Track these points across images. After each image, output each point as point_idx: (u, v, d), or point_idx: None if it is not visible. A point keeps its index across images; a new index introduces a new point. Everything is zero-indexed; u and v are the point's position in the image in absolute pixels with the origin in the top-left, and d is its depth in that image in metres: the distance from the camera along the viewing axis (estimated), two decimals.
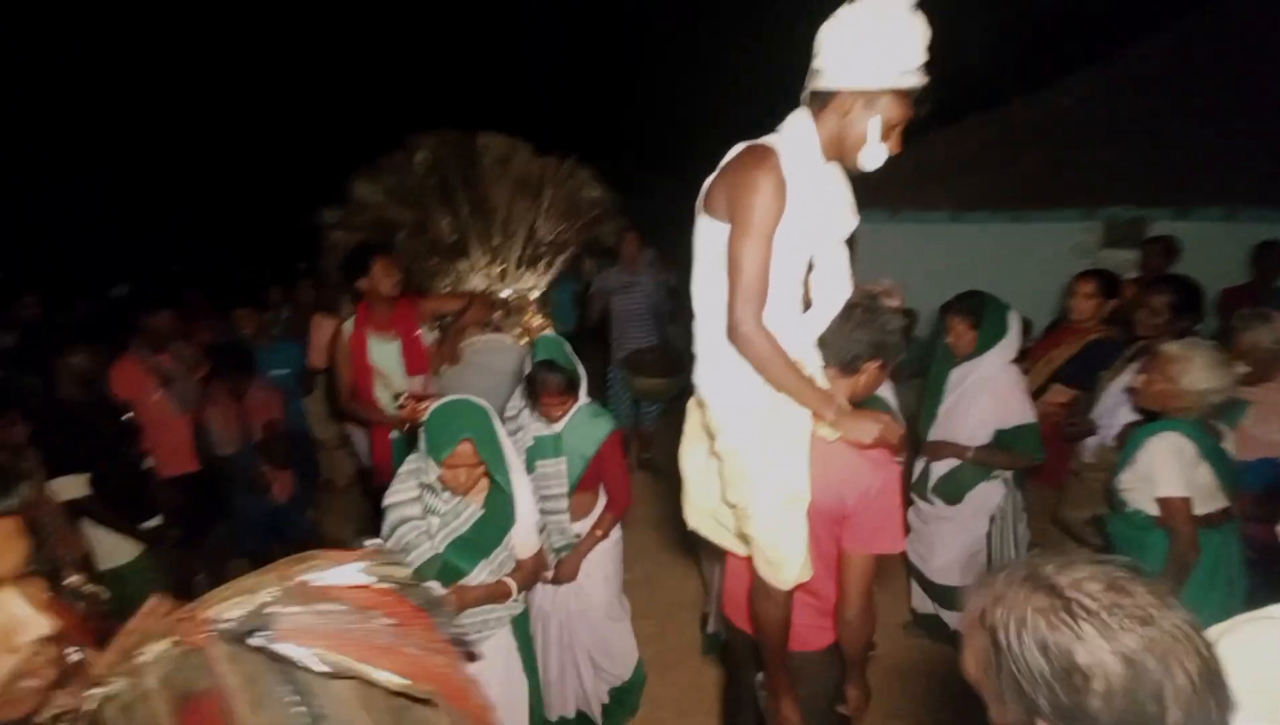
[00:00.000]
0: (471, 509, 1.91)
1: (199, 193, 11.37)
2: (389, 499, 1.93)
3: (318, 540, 3.52)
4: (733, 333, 1.40)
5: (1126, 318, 2.99)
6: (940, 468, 2.81)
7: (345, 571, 0.76)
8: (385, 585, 0.78)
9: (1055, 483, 2.88)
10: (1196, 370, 2.02)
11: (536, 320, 3.23)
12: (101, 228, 9.76)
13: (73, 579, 1.05)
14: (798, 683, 1.68)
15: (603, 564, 2.49)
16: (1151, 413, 2.17)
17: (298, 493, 3.45)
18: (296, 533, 3.41)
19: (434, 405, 1.87)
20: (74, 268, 6.95)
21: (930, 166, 5.04)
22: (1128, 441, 2.18)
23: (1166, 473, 2.04)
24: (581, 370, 2.33)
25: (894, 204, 4.88)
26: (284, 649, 0.64)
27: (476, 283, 3.34)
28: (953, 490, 2.78)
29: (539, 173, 3.33)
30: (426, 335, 3.03)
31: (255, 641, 0.64)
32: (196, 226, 10.62)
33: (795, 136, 1.41)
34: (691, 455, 1.73)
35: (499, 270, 3.36)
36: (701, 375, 1.56)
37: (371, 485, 3.97)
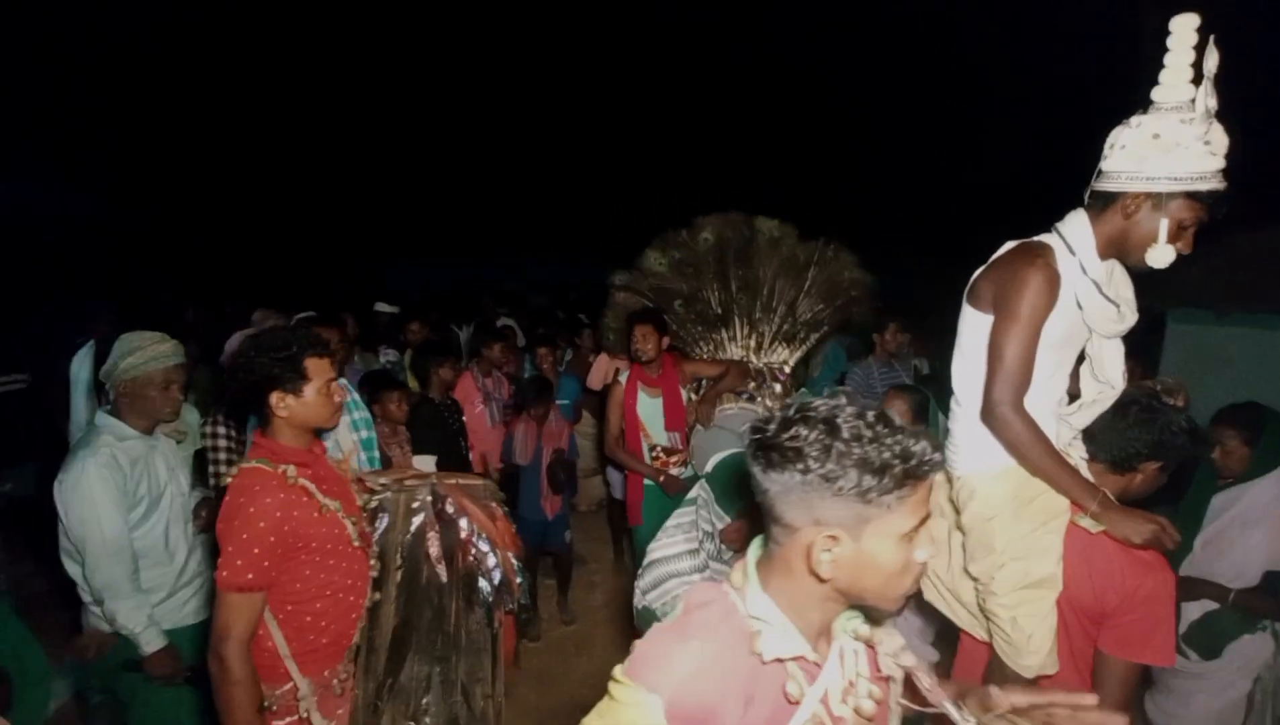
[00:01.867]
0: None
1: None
2: (656, 553, 1.97)
3: (569, 557, 4.04)
4: (988, 413, 1.49)
5: None
6: (1193, 611, 2.34)
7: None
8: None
9: None
10: None
11: (780, 390, 3.37)
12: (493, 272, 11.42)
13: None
14: None
15: None
16: None
17: (563, 513, 3.97)
18: (557, 546, 3.94)
19: (721, 458, 2.02)
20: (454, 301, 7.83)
21: (1265, 261, 4.20)
22: None
23: None
24: None
25: (1218, 302, 4.15)
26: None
27: (734, 352, 3.55)
28: (1209, 641, 2.30)
29: (806, 254, 3.52)
30: (685, 395, 3.37)
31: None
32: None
33: (1071, 235, 1.48)
34: (935, 528, 1.79)
35: (755, 342, 3.56)
36: (954, 450, 1.66)
37: (614, 515, 4.54)
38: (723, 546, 1.97)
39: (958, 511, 1.66)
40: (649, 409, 3.38)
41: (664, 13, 12.39)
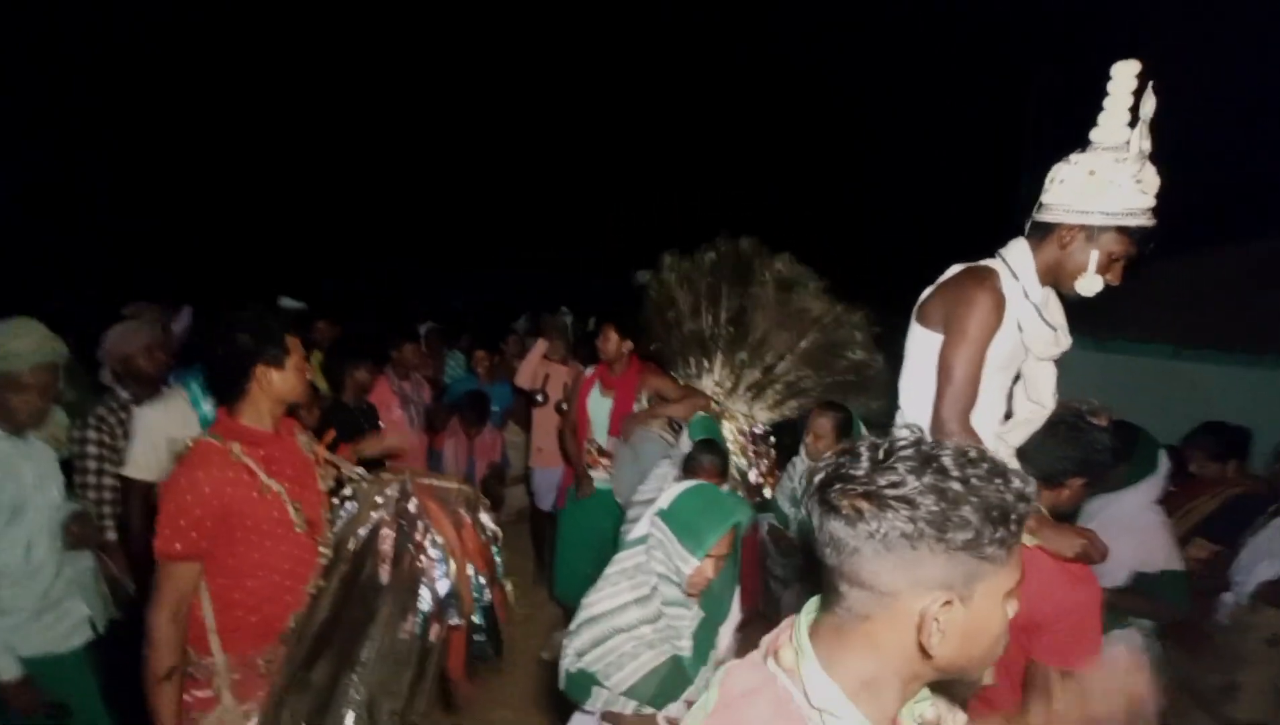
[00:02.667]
0: (694, 610, 1.75)
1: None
2: (596, 607, 1.72)
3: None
4: (938, 429, 1.53)
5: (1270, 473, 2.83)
6: None
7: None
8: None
9: (1188, 644, 2.54)
10: None
11: (742, 443, 3.12)
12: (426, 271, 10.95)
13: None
14: None
15: None
16: None
17: None
18: None
19: (678, 490, 1.71)
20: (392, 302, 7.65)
21: (1154, 298, 4.69)
22: None
23: None
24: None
25: (1103, 332, 4.59)
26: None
27: (707, 385, 3.32)
28: None
29: (816, 312, 3.18)
30: (639, 405, 3.30)
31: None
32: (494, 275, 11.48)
33: (1014, 260, 1.56)
34: None
35: (731, 382, 3.29)
36: None
37: (537, 526, 4.36)
38: (682, 592, 1.69)
39: None
40: (598, 408, 3.39)
41: (664, 13, 12.34)
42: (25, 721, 1.83)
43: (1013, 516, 0.68)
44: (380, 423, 3.51)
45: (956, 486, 0.68)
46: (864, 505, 0.70)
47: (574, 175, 13.21)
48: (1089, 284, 1.51)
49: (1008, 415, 1.70)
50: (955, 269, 1.62)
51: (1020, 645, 1.57)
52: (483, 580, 1.86)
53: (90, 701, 2.05)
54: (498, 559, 2.00)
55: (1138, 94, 1.42)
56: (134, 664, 1.57)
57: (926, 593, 0.70)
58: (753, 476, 3.09)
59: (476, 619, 1.87)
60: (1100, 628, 1.52)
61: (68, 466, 2.41)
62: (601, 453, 3.37)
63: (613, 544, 2.27)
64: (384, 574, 1.69)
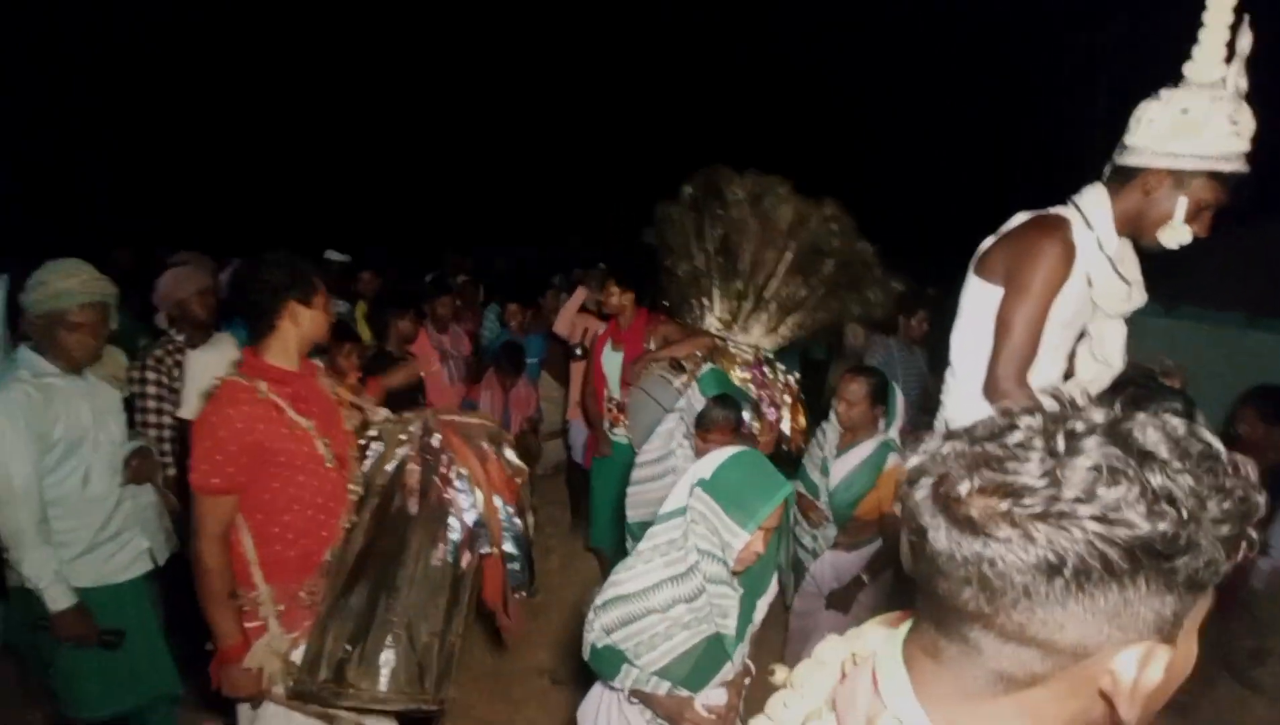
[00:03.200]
0: (738, 587, 1.62)
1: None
2: (627, 585, 1.59)
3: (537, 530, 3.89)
4: (992, 388, 1.45)
5: None
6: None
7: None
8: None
9: (1220, 608, 2.39)
10: None
11: (746, 376, 3.00)
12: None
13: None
14: None
15: None
16: None
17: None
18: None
19: (721, 459, 1.55)
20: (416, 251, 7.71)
21: (1227, 263, 4.39)
22: None
23: None
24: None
25: (1168, 299, 4.32)
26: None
27: (710, 323, 3.21)
28: None
29: (790, 217, 3.00)
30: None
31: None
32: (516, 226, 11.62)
33: (1090, 208, 1.44)
34: None
35: (730, 315, 3.19)
36: (945, 424, 1.62)
37: (573, 478, 4.38)
38: (728, 569, 1.54)
39: None
40: (612, 363, 3.36)
41: (664, 13, 12.17)
42: (78, 648, 1.93)
43: (1254, 517, 0.48)
44: (422, 373, 3.57)
45: (1181, 488, 0.45)
46: (1042, 529, 0.46)
47: (575, 174, 13.25)
48: (1176, 234, 1.39)
49: (1068, 375, 1.61)
50: (1021, 217, 1.52)
51: None
52: (511, 510, 1.91)
53: (149, 629, 2.15)
54: (525, 493, 2.05)
55: (1234, 27, 1.28)
56: (193, 595, 1.66)
57: (1127, 644, 0.49)
58: (771, 415, 2.95)
59: (509, 548, 1.92)
60: None
61: (130, 405, 2.53)
62: (621, 408, 3.32)
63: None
64: (412, 506, 1.75)
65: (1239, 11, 1.30)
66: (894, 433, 2.57)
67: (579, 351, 3.83)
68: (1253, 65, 1.33)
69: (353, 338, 3.11)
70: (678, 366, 2.92)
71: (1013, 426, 0.50)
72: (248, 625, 1.68)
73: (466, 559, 1.80)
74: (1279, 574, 2.30)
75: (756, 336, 3.15)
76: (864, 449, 2.49)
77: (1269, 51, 1.36)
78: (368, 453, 1.86)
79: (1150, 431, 0.48)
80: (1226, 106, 1.31)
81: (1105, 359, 1.54)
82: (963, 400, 1.56)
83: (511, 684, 3.09)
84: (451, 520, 1.79)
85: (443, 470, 1.82)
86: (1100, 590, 0.46)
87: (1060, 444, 0.48)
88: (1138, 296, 1.48)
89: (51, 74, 9.18)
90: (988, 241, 1.56)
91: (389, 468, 1.81)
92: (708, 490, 1.50)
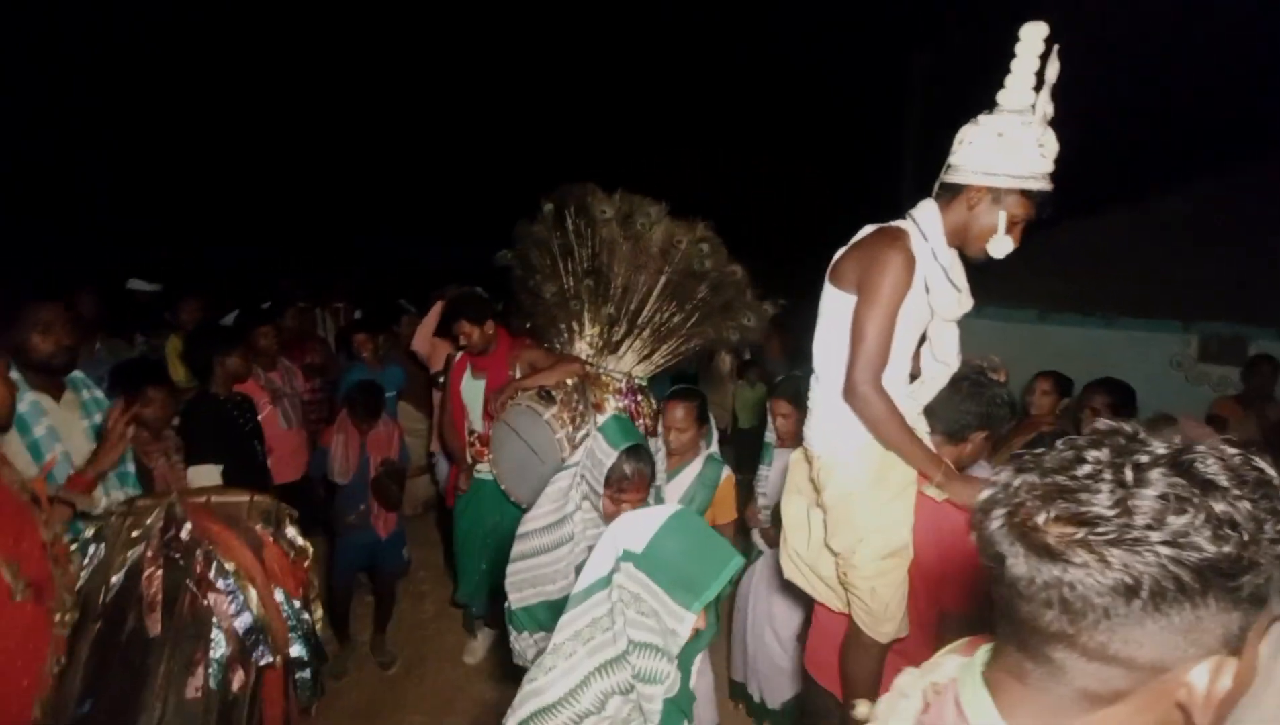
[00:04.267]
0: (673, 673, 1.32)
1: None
2: (545, 695, 1.22)
3: (394, 584, 3.55)
4: (850, 392, 1.52)
5: (1075, 417, 3.10)
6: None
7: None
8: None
9: None
10: None
11: (620, 405, 2.90)
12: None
13: None
14: None
15: None
16: None
17: (399, 529, 3.50)
18: (393, 567, 3.48)
19: (651, 526, 1.25)
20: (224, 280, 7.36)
21: (1022, 266, 5.09)
22: None
23: None
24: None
25: (979, 299, 4.93)
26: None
27: (580, 349, 3.07)
28: None
29: (661, 240, 2.90)
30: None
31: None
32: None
33: (924, 221, 1.57)
34: (792, 507, 1.82)
35: (603, 341, 3.05)
36: (814, 428, 1.68)
37: (444, 517, 3.89)
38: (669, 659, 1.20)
39: (818, 490, 1.69)
40: (472, 392, 3.11)
41: (664, 12, 12.10)
42: None
43: None
44: (259, 417, 3.17)
45: (1241, 513, 0.50)
46: (1117, 554, 0.51)
47: (570, 169, 13.08)
48: (1000, 245, 1.53)
49: (913, 376, 1.73)
50: (868, 229, 1.62)
51: (933, 597, 1.62)
52: (297, 604, 1.64)
53: None
54: (313, 579, 1.79)
55: (1043, 57, 1.44)
56: None
57: (1200, 658, 0.54)
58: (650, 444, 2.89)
59: (296, 651, 1.63)
60: None
61: None
62: (484, 442, 3.03)
63: (505, 542, 2.02)
64: (153, 626, 1.39)
65: (1048, 43, 1.46)
66: (714, 449, 2.64)
67: (442, 380, 3.58)
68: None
69: (157, 380, 2.65)
70: (546, 396, 2.75)
71: (1080, 459, 0.55)
72: None
73: (239, 680, 1.46)
74: None
75: (629, 363, 3.04)
76: (694, 467, 2.55)
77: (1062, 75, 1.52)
78: (85, 560, 1.48)
79: (1210, 462, 0.52)
80: (1035, 131, 1.47)
81: (944, 359, 1.67)
82: (829, 403, 1.63)
83: None
84: (215, 634, 1.45)
85: (198, 570, 1.47)
86: (1175, 609, 0.51)
87: (1128, 475, 0.53)
88: (967, 302, 1.63)
89: (51, 74, 9.27)
90: (840, 252, 1.64)
91: (115, 579, 1.43)
92: (642, 568, 1.20)
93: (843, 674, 1.70)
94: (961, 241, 1.57)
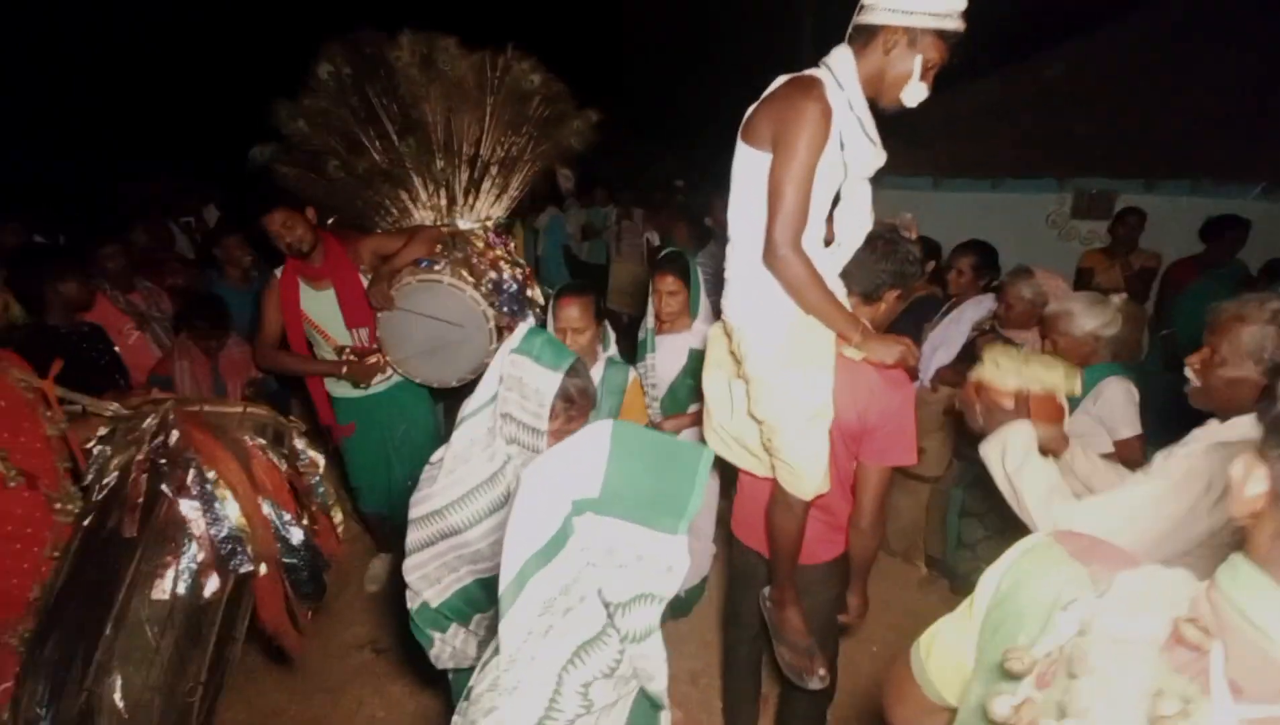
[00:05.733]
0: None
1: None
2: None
3: None
4: (770, 255, 1.46)
5: (943, 278, 3.33)
6: None
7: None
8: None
9: None
10: (1080, 315, 2.17)
11: (496, 252, 2.80)
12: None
13: None
14: (803, 594, 1.81)
15: None
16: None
17: None
18: None
19: (597, 459, 0.93)
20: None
21: (915, 134, 5.16)
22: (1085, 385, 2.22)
23: (1124, 416, 2.21)
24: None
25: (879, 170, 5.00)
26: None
27: (423, 217, 2.86)
28: None
29: (475, 73, 2.74)
30: (366, 280, 2.66)
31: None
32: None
33: (839, 69, 1.46)
34: (714, 381, 1.81)
35: (445, 199, 2.85)
36: (731, 299, 1.63)
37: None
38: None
39: (738, 362, 1.67)
40: (319, 307, 2.68)
41: None
42: None
43: None
44: (115, 348, 2.78)
45: None
46: None
47: None
48: (914, 92, 1.46)
49: (828, 240, 1.69)
50: (781, 80, 1.50)
51: (849, 453, 1.68)
52: (287, 516, 1.63)
53: None
54: (319, 489, 1.79)
55: None
56: None
57: None
58: (510, 285, 2.73)
59: (288, 559, 1.64)
60: (914, 427, 1.66)
61: None
62: (357, 351, 2.73)
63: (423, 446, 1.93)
64: (128, 527, 1.42)
65: None
66: (614, 350, 2.40)
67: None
68: None
69: None
70: (428, 266, 2.59)
71: None
72: None
73: (212, 586, 1.50)
74: (924, 390, 2.91)
75: (486, 208, 2.89)
76: (595, 373, 2.27)
77: None
78: (91, 462, 1.57)
79: None
80: None
81: (860, 221, 1.64)
82: (745, 269, 1.58)
83: (328, 668, 2.76)
84: (187, 542, 1.48)
85: (179, 477, 1.50)
86: None
87: None
88: (881, 156, 1.57)
89: (51, 74, 9.46)
90: (751, 108, 1.52)
91: (108, 480, 1.50)
92: (607, 512, 0.91)
93: (769, 532, 1.77)
94: (876, 90, 1.49)
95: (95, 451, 1.58)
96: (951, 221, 4.74)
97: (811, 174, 1.42)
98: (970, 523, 2.93)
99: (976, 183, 5.27)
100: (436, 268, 2.61)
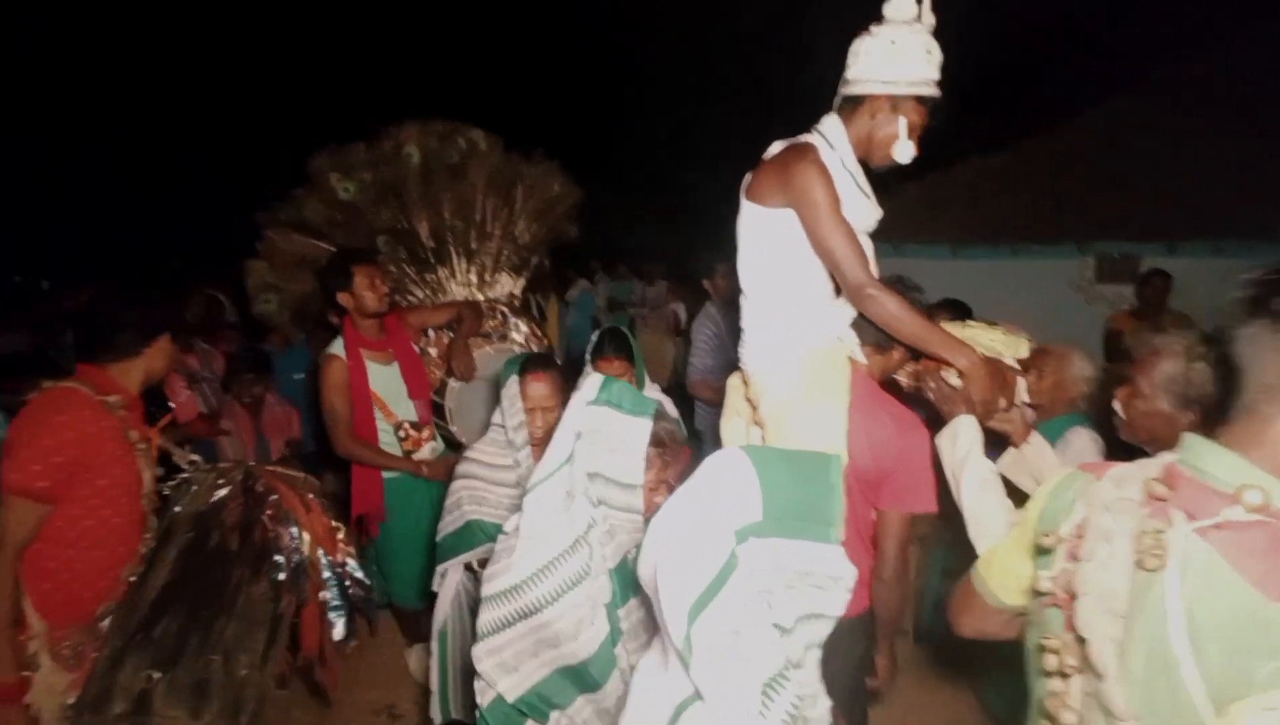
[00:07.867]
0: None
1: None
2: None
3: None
4: (858, 295, 1.52)
5: None
6: None
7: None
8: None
9: None
10: (1078, 361, 2.18)
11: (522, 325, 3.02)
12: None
13: None
14: (827, 654, 1.76)
15: None
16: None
17: None
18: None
19: (748, 482, 0.91)
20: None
21: (933, 203, 5.32)
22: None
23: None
24: None
25: (897, 237, 5.13)
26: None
27: (456, 291, 3.04)
28: None
29: (512, 169, 3.14)
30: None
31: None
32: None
33: (830, 133, 1.61)
34: (732, 428, 1.86)
35: (476, 275, 3.10)
36: (750, 347, 1.71)
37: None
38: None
39: (754, 406, 1.72)
40: (385, 381, 2.61)
41: None
42: None
43: None
44: (170, 404, 2.95)
45: None
46: None
47: None
48: (904, 150, 1.58)
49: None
50: (777, 146, 1.63)
51: (868, 500, 1.69)
52: (334, 562, 1.96)
53: None
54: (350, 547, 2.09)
55: None
56: None
57: None
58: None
59: (331, 598, 1.95)
60: (933, 470, 1.67)
61: None
62: (416, 427, 2.68)
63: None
64: (233, 542, 1.78)
65: None
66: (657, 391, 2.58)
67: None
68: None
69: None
70: (499, 331, 2.86)
71: None
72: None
73: (286, 601, 1.81)
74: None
75: (506, 285, 3.13)
76: None
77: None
78: (179, 493, 1.90)
79: None
80: (922, 38, 1.54)
81: None
82: (760, 320, 1.66)
83: None
84: (278, 558, 1.82)
85: (271, 506, 1.87)
86: None
87: None
88: (876, 210, 1.67)
89: (51, 74, 9.68)
90: (749, 174, 1.66)
91: (203, 509, 1.84)
92: (770, 533, 0.89)
93: None
94: (866, 151, 1.62)
95: (182, 489, 1.91)
96: (971, 288, 4.76)
97: (840, 214, 1.51)
98: (953, 584, 2.81)
99: (996, 250, 5.36)
100: (505, 335, 2.80)
